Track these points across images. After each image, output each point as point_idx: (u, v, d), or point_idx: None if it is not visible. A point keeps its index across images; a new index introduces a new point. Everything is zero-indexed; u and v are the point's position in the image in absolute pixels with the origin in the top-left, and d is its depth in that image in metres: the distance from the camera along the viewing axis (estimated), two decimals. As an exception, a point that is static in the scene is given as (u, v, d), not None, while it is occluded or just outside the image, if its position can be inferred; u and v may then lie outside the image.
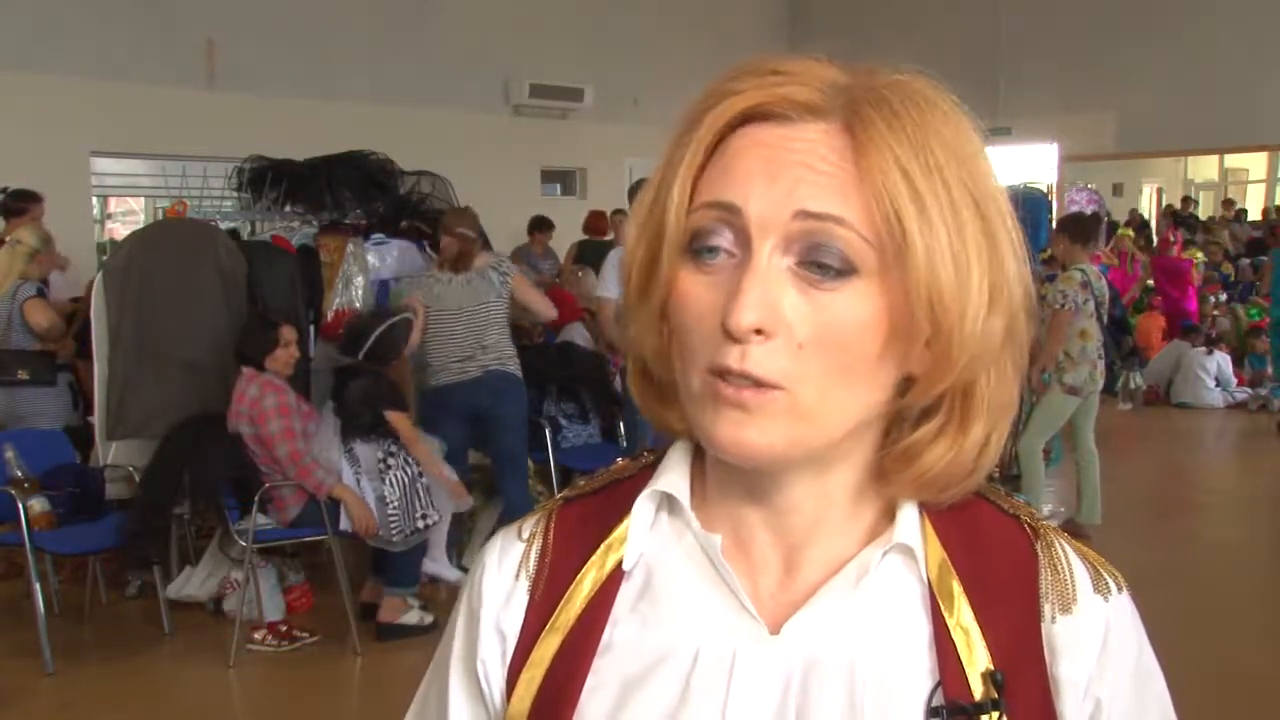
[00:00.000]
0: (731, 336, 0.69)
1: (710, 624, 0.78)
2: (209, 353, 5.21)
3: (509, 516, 3.84)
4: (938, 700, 0.74)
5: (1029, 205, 11.64)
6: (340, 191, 5.99)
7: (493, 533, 0.92)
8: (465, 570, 4.93)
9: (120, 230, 10.50)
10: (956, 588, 0.77)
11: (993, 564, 0.79)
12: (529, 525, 0.86)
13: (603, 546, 0.81)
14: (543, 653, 0.80)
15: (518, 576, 0.84)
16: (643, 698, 0.77)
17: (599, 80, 11.23)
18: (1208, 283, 12.43)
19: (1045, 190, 13.37)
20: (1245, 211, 16.93)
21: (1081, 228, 6.28)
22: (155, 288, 5.24)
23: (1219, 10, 11.67)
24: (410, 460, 4.88)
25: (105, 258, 6.86)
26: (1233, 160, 18.89)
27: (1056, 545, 0.80)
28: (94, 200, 9.63)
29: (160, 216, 7.62)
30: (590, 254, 8.73)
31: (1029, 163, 13.01)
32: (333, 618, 4.91)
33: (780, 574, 0.79)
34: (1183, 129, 12.11)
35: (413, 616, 4.87)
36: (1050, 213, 12.47)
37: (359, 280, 5.81)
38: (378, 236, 6.04)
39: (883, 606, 0.77)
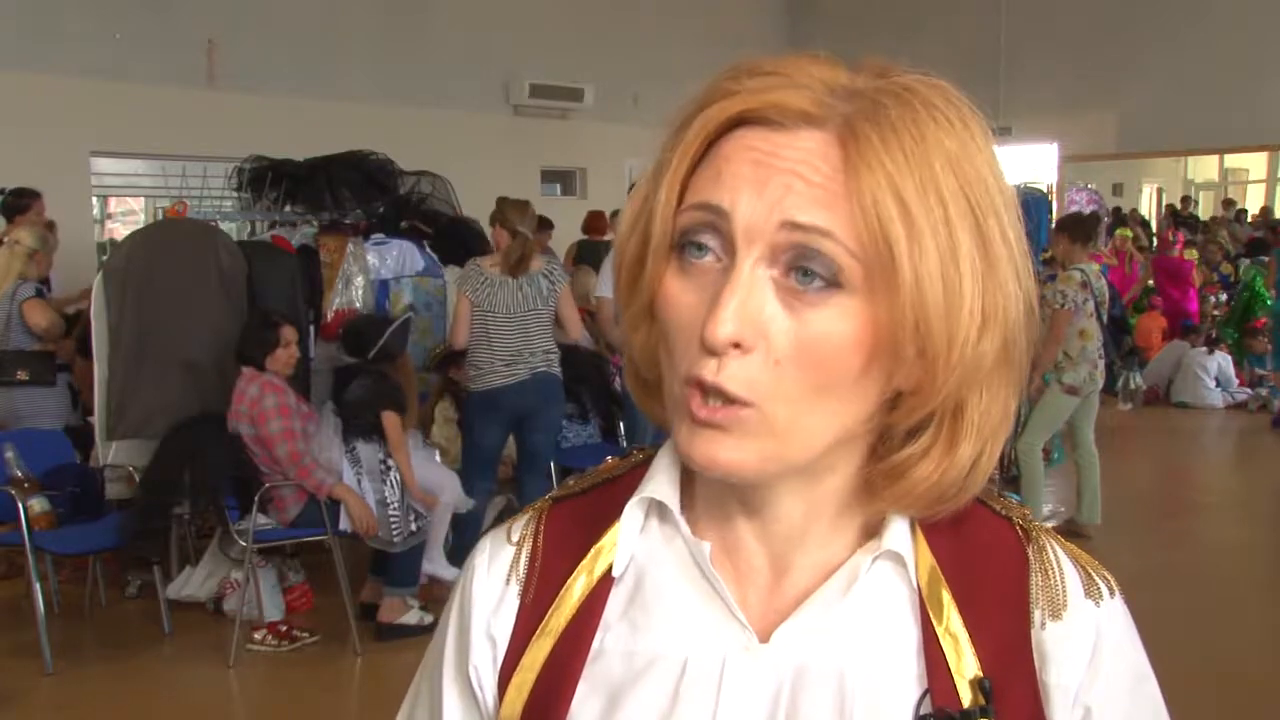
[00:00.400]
0: (708, 349, 0.68)
1: (700, 631, 0.77)
2: (209, 353, 5.21)
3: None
4: (926, 708, 0.74)
5: (1029, 205, 11.62)
6: (340, 191, 5.97)
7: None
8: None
9: (120, 230, 10.49)
10: (946, 594, 0.76)
11: (983, 569, 0.78)
12: (518, 528, 0.86)
13: (593, 551, 0.81)
14: (534, 657, 0.80)
15: (508, 581, 0.83)
16: (633, 704, 0.77)
17: (599, 80, 11.22)
18: (1207, 283, 12.42)
19: (1045, 190, 13.35)
20: (1245, 212, 16.92)
21: (1081, 227, 6.28)
22: (155, 288, 5.24)
23: (1219, 10, 11.65)
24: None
25: (105, 258, 6.86)
26: (1233, 160, 18.87)
27: (1048, 548, 0.79)
28: (94, 200, 9.63)
29: (160, 216, 7.60)
30: (589, 254, 8.74)
31: (1029, 162, 12.99)
32: (333, 618, 4.91)
33: (769, 581, 0.78)
34: (1183, 129, 12.09)
35: (412, 617, 4.87)
36: (1050, 213, 12.46)
37: (359, 280, 5.81)
38: (378, 236, 6.04)
39: (872, 614, 0.76)
